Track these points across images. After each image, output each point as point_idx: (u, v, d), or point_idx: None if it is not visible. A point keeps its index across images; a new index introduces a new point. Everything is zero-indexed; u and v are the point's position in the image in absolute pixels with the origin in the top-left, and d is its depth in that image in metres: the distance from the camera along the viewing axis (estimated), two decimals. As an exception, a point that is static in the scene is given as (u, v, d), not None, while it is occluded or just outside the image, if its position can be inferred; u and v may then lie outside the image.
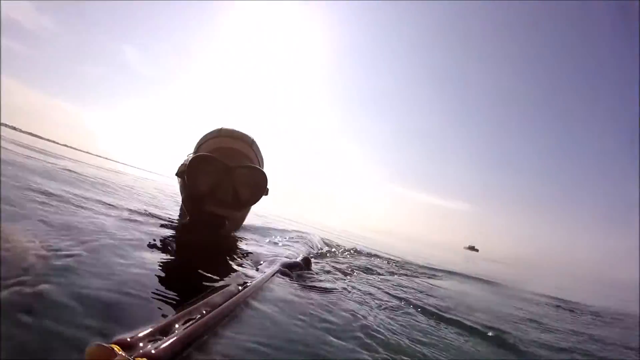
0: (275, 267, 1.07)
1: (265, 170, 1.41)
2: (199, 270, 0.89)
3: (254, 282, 0.85)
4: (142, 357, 0.40)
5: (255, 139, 1.49)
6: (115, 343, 0.41)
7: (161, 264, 0.87)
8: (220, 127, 1.47)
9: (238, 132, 1.46)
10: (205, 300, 0.63)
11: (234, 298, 0.69)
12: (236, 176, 1.31)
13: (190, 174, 1.29)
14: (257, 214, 3.62)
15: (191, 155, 1.36)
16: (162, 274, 0.80)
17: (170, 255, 1.00)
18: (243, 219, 1.53)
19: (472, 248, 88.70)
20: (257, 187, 1.37)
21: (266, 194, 1.41)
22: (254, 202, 1.40)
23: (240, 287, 0.78)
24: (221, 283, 0.84)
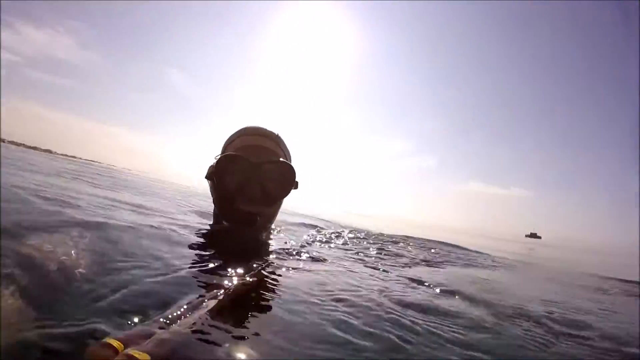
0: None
1: (293, 164, 1.40)
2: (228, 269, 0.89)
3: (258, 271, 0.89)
4: (143, 352, 0.40)
5: (280, 134, 1.47)
6: (117, 340, 0.41)
7: (195, 264, 0.88)
8: (244, 126, 1.47)
9: (262, 129, 1.46)
10: (209, 295, 0.63)
11: (238, 291, 0.69)
12: (263, 172, 1.31)
13: (218, 174, 1.32)
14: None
15: (218, 156, 1.38)
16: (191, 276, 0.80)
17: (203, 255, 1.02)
18: (275, 214, 1.52)
19: (533, 235, 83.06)
20: (286, 181, 1.37)
21: (296, 187, 1.41)
22: (284, 196, 1.40)
23: (247, 280, 0.80)
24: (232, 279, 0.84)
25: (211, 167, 1.37)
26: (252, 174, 1.29)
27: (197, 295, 0.65)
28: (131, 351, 0.39)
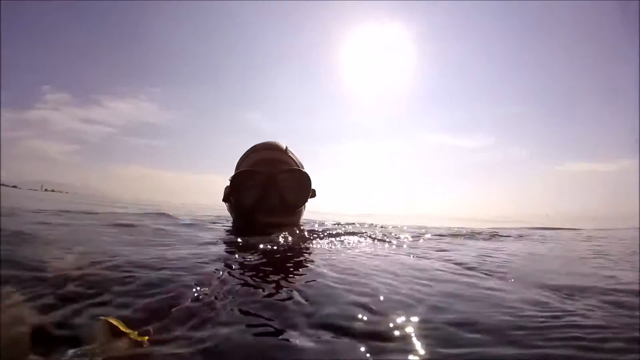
0: None
1: (306, 170, 1.43)
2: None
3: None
4: (145, 335, 0.41)
5: (288, 145, 1.51)
6: (123, 320, 0.42)
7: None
8: (267, 142, 1.48)
9: (270, 142, 1.48)
10: (214, 283, 0.63)
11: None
12: (279, 182, 1.32)
13: (235, 192, 1.33)
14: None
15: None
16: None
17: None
18: (297, 223, 1.51)
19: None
20: (302, 188, 1.39)
21: (313, 195, 1.43)
22: (301, 204, 1.41)
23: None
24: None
25: (227, 187, 1.37)
26: (268, 186, 1.30)
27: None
28: (131, 333, 0.41)
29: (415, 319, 0.51)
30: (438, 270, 0.84)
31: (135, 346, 0.40)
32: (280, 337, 0.46)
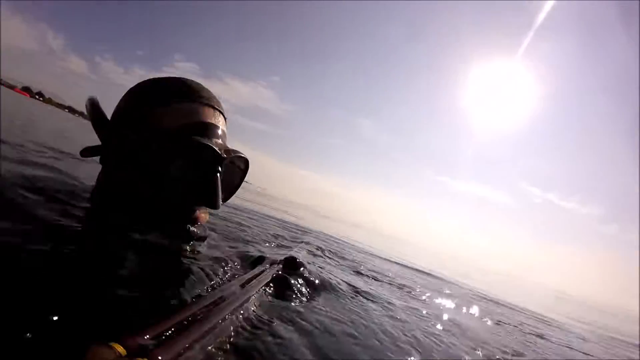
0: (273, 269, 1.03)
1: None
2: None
3: (258, 278, 0.87)
4: (142, 357, 0.39)
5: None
6: (117, 342, 0.39)
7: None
8: (190, 82, 0.96)
9: (216, 99, 0.99)
10: (210, 299, 0.61)
11: (238, 297, 0.68)
12: (224, 167, 0.90)
13: (160, 160, 0.84)
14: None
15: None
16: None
17: None
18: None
19: None
20: (241, 178, 1.01)
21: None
22: (229, 198, 1.02)
23: (242, 286, 0.78)
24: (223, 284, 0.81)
25: (132, 140, 0.85)
26: (213, 170, 0.87)
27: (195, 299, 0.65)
28: (131, 354, 0.39)
29: None
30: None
31: None
32: None
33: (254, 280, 0.85)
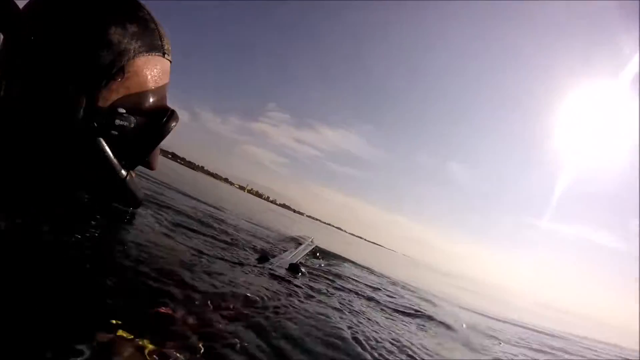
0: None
1: None
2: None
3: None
4: (152, 344, 0.40)
5: None
6: (123, 328, 0.41)
7: None
8: (155, 25, 0.72)
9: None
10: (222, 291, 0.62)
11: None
12: None
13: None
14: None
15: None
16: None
17: None
18: None
19: None
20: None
21: None
22: None
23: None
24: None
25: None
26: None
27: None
28: (141, 341, 0.40)
29: None
30: None
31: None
32: None
33: None
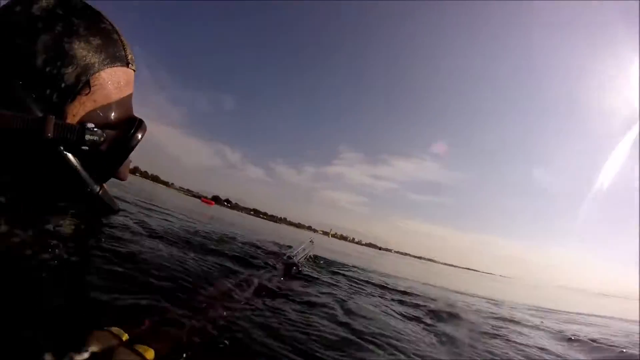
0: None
1: None
2: None
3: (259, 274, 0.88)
4: (144, 344, 0.39)
5: None
6: (118, 330, 0.40)
7: None
8: (118, 36, 0.72)
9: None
10: (212, 290, 0.62)
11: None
12: None
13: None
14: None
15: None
16: None
17: None
18: None
19: None
20: None
21: None
22: None
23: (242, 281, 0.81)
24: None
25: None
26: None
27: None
28: (138, 347, 0.38)
29: None
30: None
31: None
32: None
33: None
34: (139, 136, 0.71)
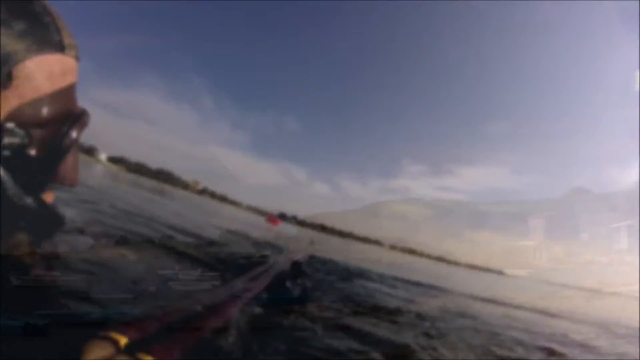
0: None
1: None
2: None
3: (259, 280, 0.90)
4: (144, 353, 0.39)
5: None
6: (116, 335, 0.39)
7: None
8: (52, 18, 0.61)
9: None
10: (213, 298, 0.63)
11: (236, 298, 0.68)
12: None
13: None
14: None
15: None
16: None
17: None
18: None
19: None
20: None
21: None
22: None
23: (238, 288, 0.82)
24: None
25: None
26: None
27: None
28: (139, 355, 0.38)
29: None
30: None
31: None
32: None
33: None
34: (74, 134, 0.59)
